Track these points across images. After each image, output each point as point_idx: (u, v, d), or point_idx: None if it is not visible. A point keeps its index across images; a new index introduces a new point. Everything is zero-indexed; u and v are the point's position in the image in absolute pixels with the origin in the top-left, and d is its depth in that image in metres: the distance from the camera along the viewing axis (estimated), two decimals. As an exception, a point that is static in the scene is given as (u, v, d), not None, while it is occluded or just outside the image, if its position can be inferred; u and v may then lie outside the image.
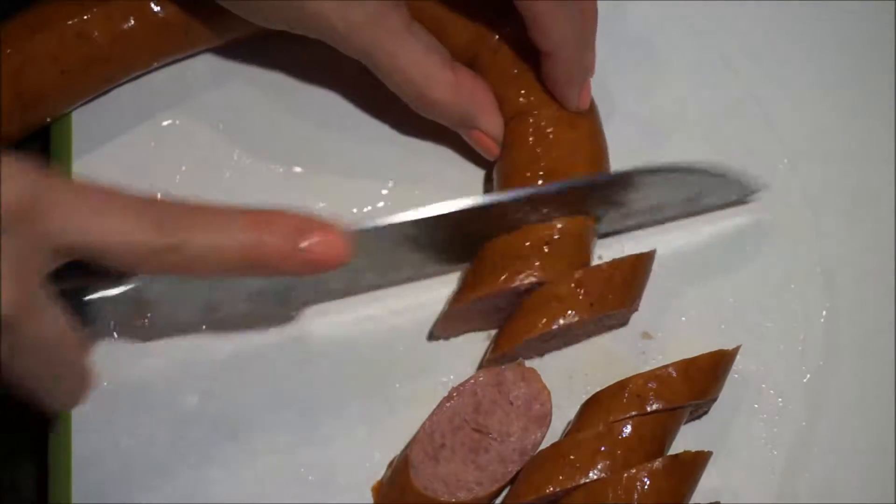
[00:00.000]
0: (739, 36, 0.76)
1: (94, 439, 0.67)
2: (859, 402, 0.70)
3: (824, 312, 0.72)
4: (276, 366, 0.69)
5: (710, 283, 0.71)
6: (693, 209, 0.72)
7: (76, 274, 0.56)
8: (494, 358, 0.68)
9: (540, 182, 0.67)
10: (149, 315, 0.64)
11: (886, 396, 0.70)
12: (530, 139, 0.68)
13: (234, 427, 0.68)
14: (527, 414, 0.66)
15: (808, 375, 0.71)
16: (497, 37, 0.70)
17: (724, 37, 0.76)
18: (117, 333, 0.67)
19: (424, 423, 0.66)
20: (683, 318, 0.70)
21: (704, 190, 0.70)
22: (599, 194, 0.68)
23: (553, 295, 0.66)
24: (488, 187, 0.73)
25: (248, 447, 0.68)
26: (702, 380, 0.66)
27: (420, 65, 0.67)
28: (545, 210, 0.66)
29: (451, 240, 0.67)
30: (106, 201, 0.54)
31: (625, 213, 0.70)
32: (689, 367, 0.65)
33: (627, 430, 0.64)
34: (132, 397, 0.68)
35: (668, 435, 0.65)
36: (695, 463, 0.64)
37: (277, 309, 0.69)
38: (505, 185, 0.69)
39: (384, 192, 0.73)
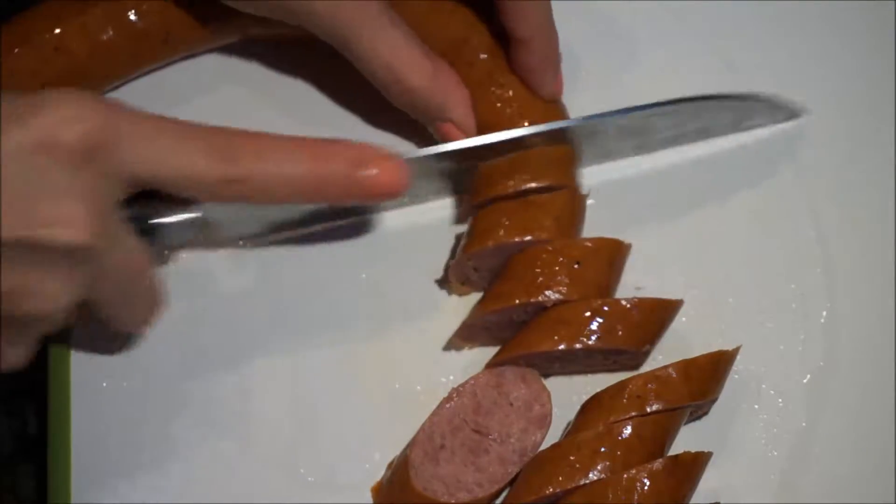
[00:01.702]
0: (740, 36, 0.76)
1: (94, 439, 0.67)
2: (859, 403, 0.70)
3: (824, 312, 0.72)
4: (277, 366, 0.69)
5: (710, 283, 0.71)
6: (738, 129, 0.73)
7: (144, 199, 0.60)
8: (496, 363, 0.68)
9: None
10: (212, 234, 0.66)
11: (886, 397, 0.70)
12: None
13: (235, 427, 0.68)
14: (527, 415, 0.66)
15: (808, 375, 0.70)
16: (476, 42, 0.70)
17: (722, 38, 0.76)
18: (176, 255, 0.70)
19: (424, 424, 0.66)
20: (684, 319, 0.70)
21: (748, 114, 0.72)
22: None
23: (567, 317, 0.65)
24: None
25: (248, 447, 0.68)
26: (702, 380, 0.65)
27: (399, 50, 0.66)
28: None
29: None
30: (174, 133, 0.57)
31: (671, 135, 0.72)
32: (689, 368, 0.65)
33: (627, 430, 0.64)
34: (132, 397, 0.68)
35: (668, 435, 0.65)
36: (695, 463, 0.64)
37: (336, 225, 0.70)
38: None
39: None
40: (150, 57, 0.72)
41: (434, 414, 0.66)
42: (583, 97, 0.71)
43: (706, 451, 0.65)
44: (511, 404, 0.66)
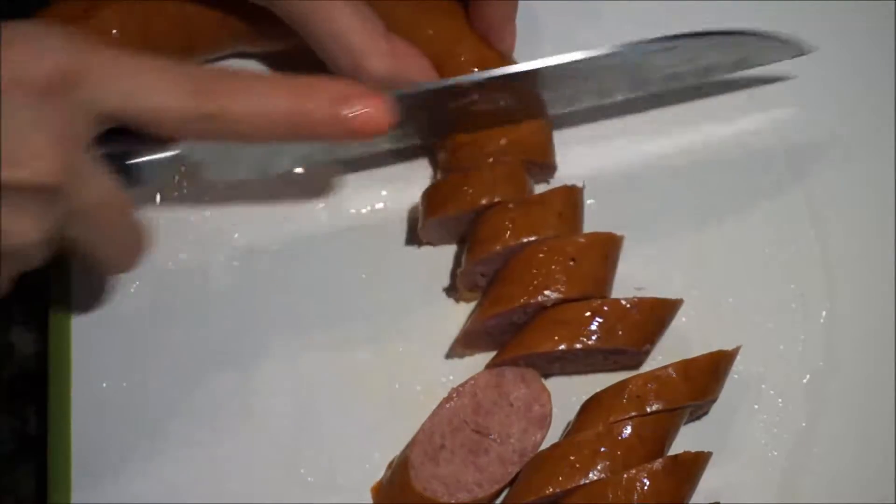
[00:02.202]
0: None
1: (94, 439, 0.67)
2: (859, 403, 0.70)
3: (824, 312, 0.72)
4: (277, 366, 0.69)
5: (710, 283, 0.71)
6: (742, 68, 0.72)
7: (122, 138, 0.58)
8: (496, 364, 0.68)
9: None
10: (196, 178, 0.64)
11: (886, 397, 0.70)
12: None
13: (235, 427, 0.68)
14: (527, 415, 0.66)
15: (808, 376, 0.70)
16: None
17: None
18: (161, 198, 0.68)
19: (424, 424, 0.66)
20: (684, 319, 0.70)
21: (752, 53, 0.70)
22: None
23: (567, 318, 0.65)
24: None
25: (248, 447, 0.68)
26: (702, 380, 0.65)
27: (357, 32, 0.64)
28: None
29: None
30: (146, 68, 0.56)
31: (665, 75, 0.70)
32: (689, 368, 0.65)
33: (627, 430, 0.64)
34: (132, 397, 0.68)
35: (668, 435, 0.65)
36: (695, 463, 0.64)
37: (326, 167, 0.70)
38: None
39: (384, 192, 0.73)
40: None
41: (434, 414, 0.66)
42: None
43: (706, 450, 0.65)
44: (511, 404, 0.66)
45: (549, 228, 0.67)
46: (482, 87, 0.66)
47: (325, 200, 0.72)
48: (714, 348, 0.67)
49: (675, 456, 0.64)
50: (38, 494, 0.70)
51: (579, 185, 0.69)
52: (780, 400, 0.70)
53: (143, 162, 0.60)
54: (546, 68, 0.66)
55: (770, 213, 0.73)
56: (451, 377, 0.69)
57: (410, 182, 0.72)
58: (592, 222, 0.69)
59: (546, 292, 0.66)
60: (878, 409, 0.70)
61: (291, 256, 0.71)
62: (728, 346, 0.67)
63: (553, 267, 0.66)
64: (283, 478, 0.67)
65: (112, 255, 0.60)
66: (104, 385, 0.67)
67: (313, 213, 0.72)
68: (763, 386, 0.70)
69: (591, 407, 0.66)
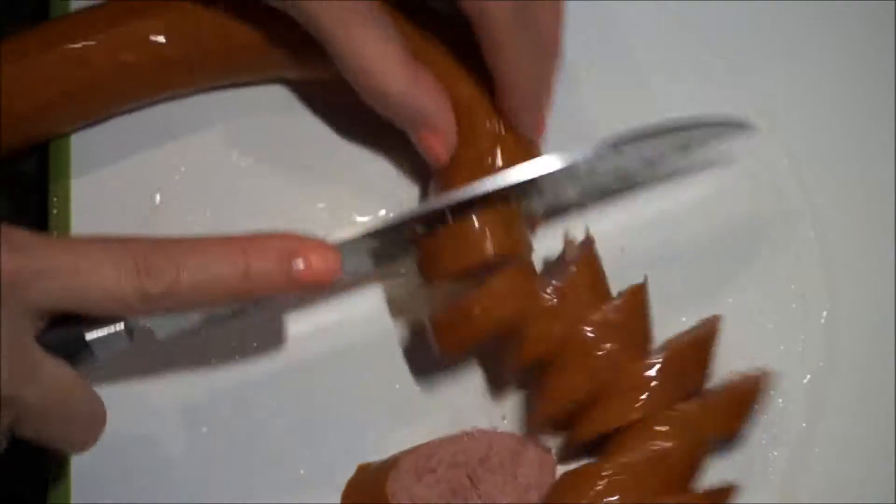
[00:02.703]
0: (738, 36, 0.76)
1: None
2: (859, 403, 0.70)
3: (824, 313, 0.72)
4: (277, 366, 0.69)
5: (709, 283, 0.71)
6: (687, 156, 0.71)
7: (68, 320, 0.57)
8: (571, 442, 0.66)
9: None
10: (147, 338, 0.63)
11: (887, 397, 0.70)
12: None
13: (235, 427, 0.68)
14: (521, 496, 0.65)
15: (808, 376, 0.71)
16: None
17: (724, 37, 0.76)
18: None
19: (433, 441, 0.66)
20: (684, 319, 0.70)
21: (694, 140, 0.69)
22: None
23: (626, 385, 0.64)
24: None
25: (248, 447, 0.68)
26: (747, 410, 0.66)
27: (380, 52, 0.63)
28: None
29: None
30: (86, 256, 0.54)
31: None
32: (741, 398, 0.65)
33: (668, 456, 0.63)
34: (131, 398, 0.68)
35: (704, 462, 0.65)
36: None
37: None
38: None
39: (384, 197, 0.72)
40: (174, 83, 0.71)
41: (448, 439, 0.66)
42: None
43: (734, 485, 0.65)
44: (515, 477, 0.65)
45: (588, 307, 0.64)
46: (425, 217, 0.64)
47: (326, 201, 0.72)
48: (714, 348, 0.67)
49: (715, 490, 0.64)
50: (39, 494, 0.70)
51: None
52: (780, 400, 0.70)
53: (91, 341, 0.58)
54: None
55: (770, 214, 0.73)
56: (452, 377, 0.69)
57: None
58: (592, 221, 0.69)
59: (609, 372, 0.64)
60: (879, 409, 0.70)
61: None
62: (728, 346, 0.67)
63: (610, 342, 0.64)
64: (283, 478, 0.68)
65: (65, 437, 0.59)
66: (103, 386, 0.67)
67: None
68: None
69: (641, 425, 0.64)
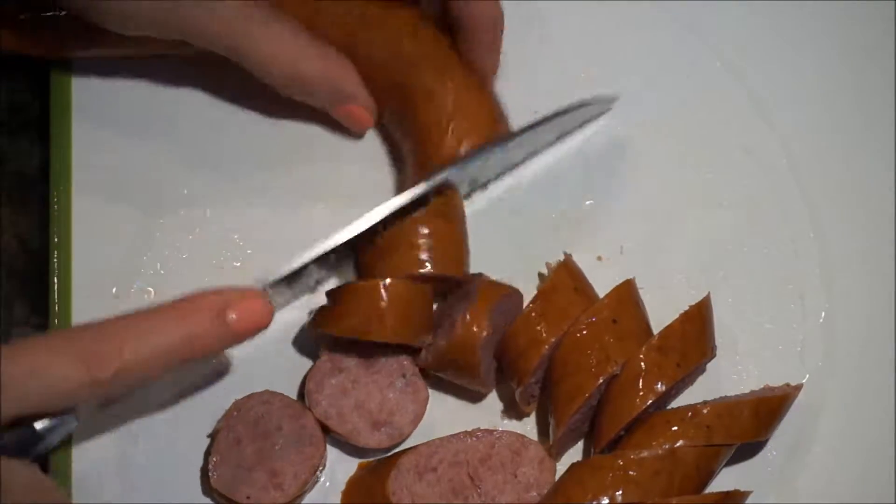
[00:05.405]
0: (739, 36, 0.76)
1: (94, 440, 0.67)
2: (858, 403, 0.70)
3: (823, 313, 0.72)
4: (278, 365, 0.69)
5: (710, 282, 0.71)
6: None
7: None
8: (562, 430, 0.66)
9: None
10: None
11: (885, 397, 0.70)
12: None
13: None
14: (521, 494, 0.65)
15: (808, 376, 0.71)
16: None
17: (723, 37, 0.76)
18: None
19: (434, 440, 0.66)
20: (684, 319, 0.70)
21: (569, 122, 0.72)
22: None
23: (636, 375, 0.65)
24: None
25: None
26: (768, 420, 0.66)
27: (288, 45, 0.67)
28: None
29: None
30: (32, 359, 0.55)
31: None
32: (761, 406, 0.65)
33: (690, 457, 0.64)
34: (132, 397, 0.68)
35: (719, 467, 0.66)
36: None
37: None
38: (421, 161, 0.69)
39: (381, 195, 0.72)
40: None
41: (448, 439, 0.66)
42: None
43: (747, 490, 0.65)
44: (515, 476, 0.65)
45: (575, 307, 0.66)
46: (349, 245, 0.66)
47: (324, 200, 0.72)
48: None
49: (728, 493, 0.64)
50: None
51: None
52: (779, 400, 0.70)
53: (41, 432, 0.57)
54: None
55: (769, 214, 0.73)
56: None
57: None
58: (592, 222, 0.70)
59: (610, 366, 0.65)
60: (878, 409, 0.70)
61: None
62: (727, 346, 0.68)
63: (604, 338, 0.65)
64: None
65: None
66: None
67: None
68: (763, 386, 0.70)
69: (657, 423, 0.65)
